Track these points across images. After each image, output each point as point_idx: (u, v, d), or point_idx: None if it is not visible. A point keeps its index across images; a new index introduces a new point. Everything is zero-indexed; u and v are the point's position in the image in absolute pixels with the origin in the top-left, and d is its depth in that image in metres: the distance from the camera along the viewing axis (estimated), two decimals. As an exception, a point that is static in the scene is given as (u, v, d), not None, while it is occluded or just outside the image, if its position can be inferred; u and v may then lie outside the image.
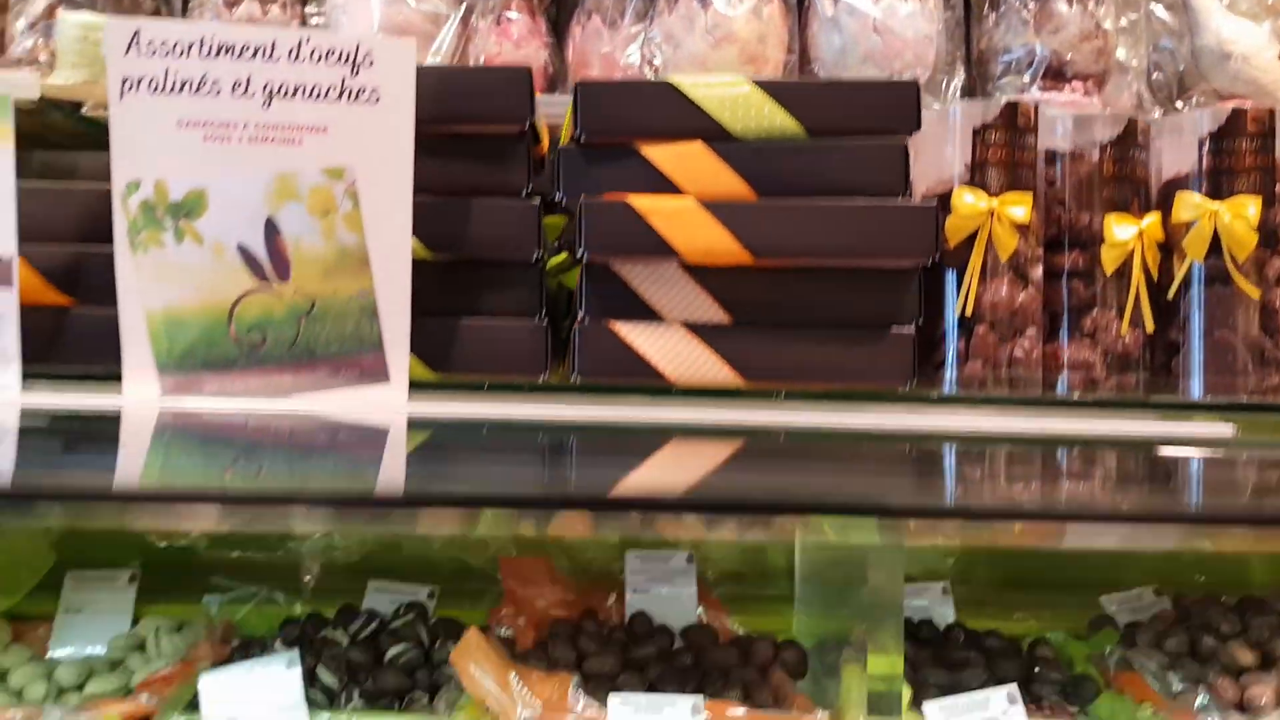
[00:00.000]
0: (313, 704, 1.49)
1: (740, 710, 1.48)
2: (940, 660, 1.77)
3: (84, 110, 1.66)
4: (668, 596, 1.94)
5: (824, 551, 1.66)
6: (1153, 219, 1.30)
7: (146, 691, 1.53)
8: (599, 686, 1.58)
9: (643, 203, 1.23)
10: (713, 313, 1.27)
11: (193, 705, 1.46)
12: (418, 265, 1.24)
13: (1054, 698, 1.68)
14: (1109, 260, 1.30)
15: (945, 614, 1.96)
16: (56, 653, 1.79)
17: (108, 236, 1.23)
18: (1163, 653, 1.75)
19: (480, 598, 1.94)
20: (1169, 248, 1.36)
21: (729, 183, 1.26)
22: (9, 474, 1.14)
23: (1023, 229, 1.28)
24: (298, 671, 1.43)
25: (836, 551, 1.56)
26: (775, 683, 1.72)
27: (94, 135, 1.52)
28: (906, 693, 1.51)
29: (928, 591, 1.99)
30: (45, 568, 1.88)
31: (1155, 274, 1.32)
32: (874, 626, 1.44)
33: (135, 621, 1.86)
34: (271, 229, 1.18)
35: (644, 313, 1.28)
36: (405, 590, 1.93)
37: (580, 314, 1.28)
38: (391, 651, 1.68)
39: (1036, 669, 1.76)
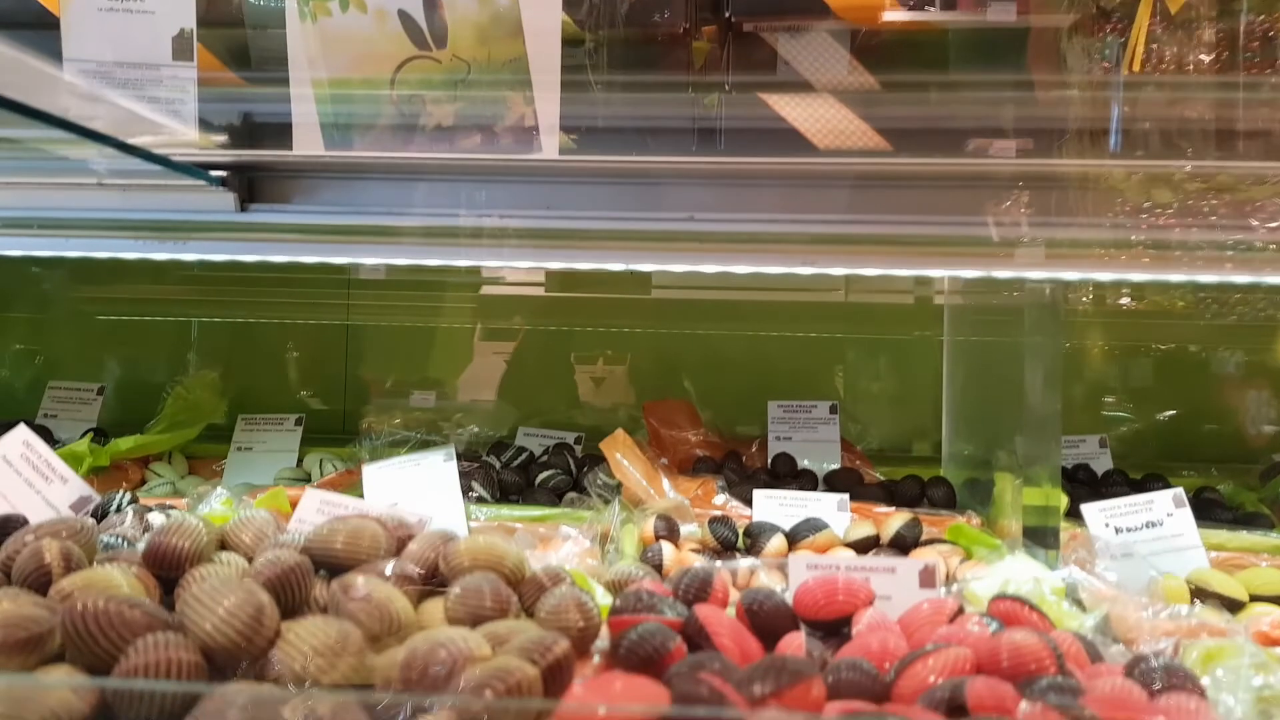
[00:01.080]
0: (469, 504, 1.54)
1: (886, 506, 1.46)
2: (1099, 496, 1.70)
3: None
4: (810, 445, 1.93)
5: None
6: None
7: (312, 487, 1.61)
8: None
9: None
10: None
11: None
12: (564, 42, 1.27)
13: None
14: (1290, 14, 1.23)
15: (1103, 465, 1.89)
16: (229, 482, 1.90)
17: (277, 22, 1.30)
18: (1347, 487, 1.64)
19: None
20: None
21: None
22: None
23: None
24: (454, 464, 1.47)
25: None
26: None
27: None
28: (1063, 500, 1.46)
29: (1084, 444, 1.92)
30: (218, 412, 2.00)
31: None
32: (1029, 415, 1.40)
33: (299, 462, 1.96)
34: (433, -8, 1.23)
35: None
36: (552, 434, 1.98)
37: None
38: (542, 475, 1.73)
39: (1203, 510, 1.67)
